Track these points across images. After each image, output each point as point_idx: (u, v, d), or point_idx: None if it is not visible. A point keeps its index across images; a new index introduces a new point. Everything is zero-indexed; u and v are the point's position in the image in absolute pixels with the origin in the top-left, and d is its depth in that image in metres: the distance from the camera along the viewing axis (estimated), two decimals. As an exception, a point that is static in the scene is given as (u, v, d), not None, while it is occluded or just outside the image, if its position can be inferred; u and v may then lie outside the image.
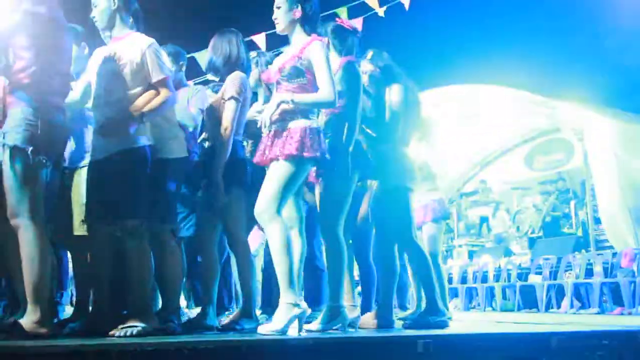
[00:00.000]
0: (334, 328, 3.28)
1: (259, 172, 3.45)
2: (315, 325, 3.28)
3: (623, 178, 8.49)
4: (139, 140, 3.09)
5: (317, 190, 3.50)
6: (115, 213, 3.03)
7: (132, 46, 3.14)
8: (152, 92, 3.13)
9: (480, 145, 13.37)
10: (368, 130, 3.86)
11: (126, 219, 3.02)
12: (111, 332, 2.81)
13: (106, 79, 3.17)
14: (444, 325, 3.66)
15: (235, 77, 3.55)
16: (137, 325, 2.86)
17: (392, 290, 3.83)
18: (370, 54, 4.03)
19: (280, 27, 3.29)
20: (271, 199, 3.07)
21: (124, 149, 3.04)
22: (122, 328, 2.84)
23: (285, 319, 2.96)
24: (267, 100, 3.96)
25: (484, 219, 12.45)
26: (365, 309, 4.01)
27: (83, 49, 3.69)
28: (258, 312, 3.98)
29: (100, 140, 3.11)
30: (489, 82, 10.74)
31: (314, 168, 3.33)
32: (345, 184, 3.38)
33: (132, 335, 2.78)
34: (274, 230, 3.05)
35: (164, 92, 3.13)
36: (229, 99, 3.49)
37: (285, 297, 3.01)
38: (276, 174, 3.10)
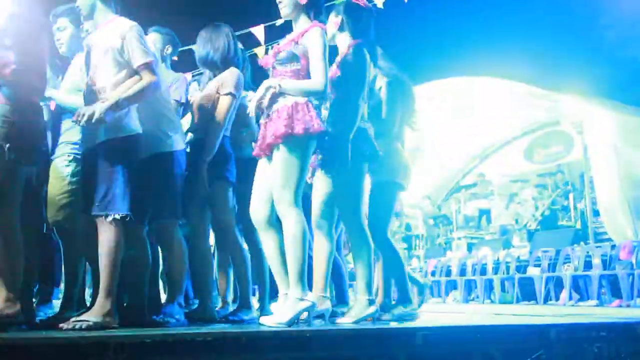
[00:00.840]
0: (368, 319, 3.29)
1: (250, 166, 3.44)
2: (348, 318, 3.26)
3: (622, 170, 8.49)
4: (123, 130, 3.02)
5: (317, 175, 3.44)
6: (96, 205, 2.95)
7: (114, 32, 3.07)
8: (135, 78, 3.05)
9: (480, 138, 13.37)
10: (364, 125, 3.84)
11: (107, 212, 2.94)
12: (60, 325, 2.74)
13: (91, 68, 3.13)
14: (415, 316, 3.64)
15: (233, 72, 3.55)
16: (88, 320, 2.77)
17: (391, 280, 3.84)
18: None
19: (285, 11, 3.23)
20: (282, 188, 3.02)
21: (107, 139, 2.98)
22: (73, 321, 2.77)
23: (292, 312, 2.93)
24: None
25: (482, 212, 12.45)
26: (340, 300, 4.00)
27: (80, 30, 3.62)
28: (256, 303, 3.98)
29: (86, 131, 3.06)
30: (488, 75, 10.75)
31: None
32: (355, 174, 3.34)
33: (80, 329, 2.69)
34: (290, 221, 3.00)
35: (146, 77, 3.02)
36: (226, 94, 3.47)
37: (294, 290, 2.97)
38: (278, 162, 3.05)
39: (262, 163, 3.23)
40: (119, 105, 2.95)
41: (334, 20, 3.52)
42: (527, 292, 8.52)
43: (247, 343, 2.54)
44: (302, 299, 2.95)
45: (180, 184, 3.37)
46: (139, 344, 2.32)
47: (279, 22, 3.40)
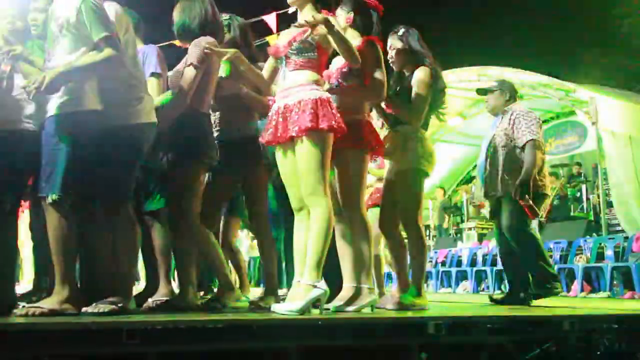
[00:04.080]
0: (362, 308, 3.26)
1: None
2: (344, 307, 3.23)
3: (637, 161, 8.41)
4: (75, 105, 2.81)
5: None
6: (41, 185, 2.79)
7: (69, 3, 2.86)
8: (92, 53, 2.83)
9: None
10: (389, 110, 3.82)
11: (45, 192, 2.77)
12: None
13: (47, 43, 2.95)
14: (426, 306, 3.67)
15: (199, 42, 3.32)
16: (42, 307, 2.68)
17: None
18: (401, 30, 3.91)
19: None
20: (313, 179, 3.02)
21: (56, 114, 2.81)
22: (27, 307, 2.72)
23: (304, 300, 2.91)
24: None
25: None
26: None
27: None
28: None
29: (38, 104, 2.91)
30: (501, 64, 10.68)
31: None
32: (362, 158, 3.36)
33: (34, 315, 2.62)
34: (320, 209, 3.01)
35: (106, 51, 2.80)
36: (187, 65, 3.31)
37: (308, 277, 2.97)
38: (305, 155, 3.05)
39: (279, 152, 3.22)
40: (72, 74, 2.75)
41: (344, 15, 3.52)
42: (538, 283, 8.48)
43: (259, 331, 2.54)
44: (315, 286, 2.94)
45: (129, 161, 3.02)
46: (150, 330, 2.33)
47: (291, 9, 3.34)
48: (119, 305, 2.79)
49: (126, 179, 2.99)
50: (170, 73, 3.69)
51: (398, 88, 3.88)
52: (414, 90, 3.73)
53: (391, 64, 3.93)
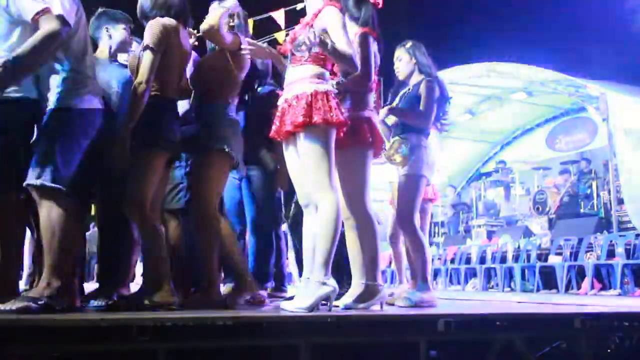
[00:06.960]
0: (373, 306, 3.24)
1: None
2: (353, 304, 3.21)
3: (648, 158, 8.35)
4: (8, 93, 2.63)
5: None
6: None
7: None
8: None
9: (501, 125, 13.24)
10: (396, 120, 4.02)
11: None
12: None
13: None
14: (434, 303, 3.74)
15: (152, 24, 3.14)
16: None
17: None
18: (409, 44, 4.13)
19: None
20: (314, 175, 3.00)
21: None
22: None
23: (313, 297, 2.89)
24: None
25: (503, 200, 12.35)
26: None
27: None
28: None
29: None
30: (510, 60, 10.62)
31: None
32: (364, 155, 3.35)
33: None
34: (326, 204, 2.97)
35: (44, 26, 2.57)
36: (144, 49, 3.11)
37: (317, 274, 2.94)
38: (304, 152, 3.03)
39: (285, 148, 3.21)
40: (9, 67, 2.53)
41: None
42: (548, 281, 8.45)
43: (268, 328, 2.54)
44: (324, 284, 2.93)
45: (66, 145, 2.75)
46: (160, 327, 2.33)
47: (299, 6, 3.31)
48: (107, 295, 2.77)
49: (61, 165, 2.71)
50: (126, 57, 3.63)
51: (408, 98, 4.05)
52: (424, 100, 3.94)
53: (396, 74, 4.18)
